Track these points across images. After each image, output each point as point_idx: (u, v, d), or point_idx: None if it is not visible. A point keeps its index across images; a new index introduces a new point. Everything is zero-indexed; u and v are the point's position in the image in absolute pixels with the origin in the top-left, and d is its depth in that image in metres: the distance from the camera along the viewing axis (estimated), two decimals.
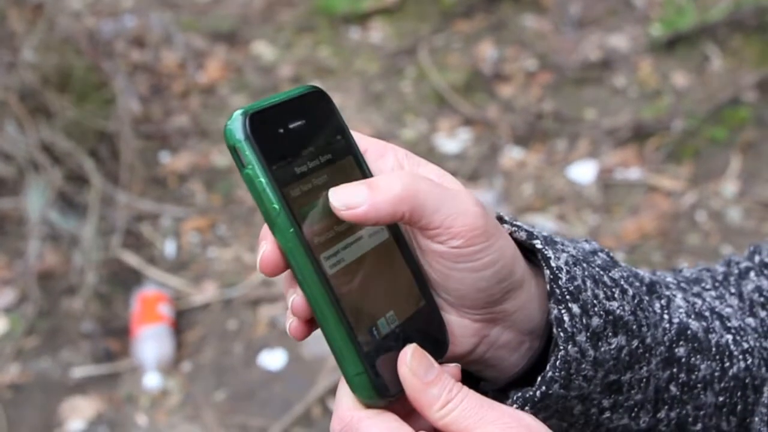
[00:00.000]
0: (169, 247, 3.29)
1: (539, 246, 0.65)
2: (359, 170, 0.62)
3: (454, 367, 0.62)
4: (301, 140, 0.60)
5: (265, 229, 0.60)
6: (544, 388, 0.64)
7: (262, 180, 0.57)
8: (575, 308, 0.64)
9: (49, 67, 3.54)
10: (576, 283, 0.65)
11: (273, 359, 2.91)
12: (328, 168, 0.60)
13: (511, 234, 0.66)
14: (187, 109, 3.89)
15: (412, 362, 0.58)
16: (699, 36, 4.03)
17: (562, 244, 0.68)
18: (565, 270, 0.65)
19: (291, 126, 0.59)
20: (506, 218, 0.67)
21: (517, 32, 4.31)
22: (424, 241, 0.62)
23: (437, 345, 0.63)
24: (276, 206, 0.57)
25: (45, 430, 2.76)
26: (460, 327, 0.65)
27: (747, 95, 3.71)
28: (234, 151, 0.57)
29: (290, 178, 0.58)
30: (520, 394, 0.65)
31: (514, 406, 0.64)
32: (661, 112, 3.71)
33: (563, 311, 0.64)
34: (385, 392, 0.58)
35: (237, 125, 0.57)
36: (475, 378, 0.69)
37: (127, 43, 4.03)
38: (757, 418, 0.75)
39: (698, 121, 3.60)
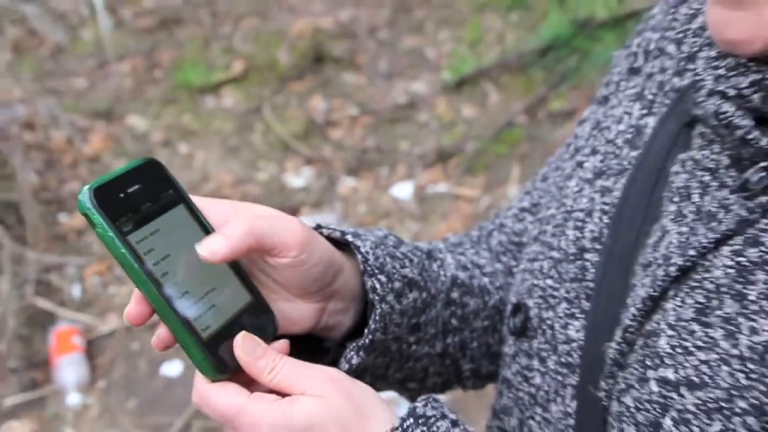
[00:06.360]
0: (76, 290, 3.34)
1: (350, 239, 0.74)
2: (191, 214, 0.68)
3: (282, 343, 0.68)
4: (139, 199, 0.64)
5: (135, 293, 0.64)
6: (371, 336, 0.74)
7: (110, 234, 0.61)
8: (383, 278, 0.74)
9: None
10: (380, 261, 0.74)
11: (172, 369, 3.04)
12: (164, 215, 0.66)
13: (329, 235, 0.75)
14: (78, 177, 3.90)
15: (242, 344, 0.65)
16: (478, 78, 4.21)
17: (365, 235, 0.77)
18: (371, 253, 0.74)
19: (129, 190, 0.64)
20: (323, 225, 0.76)
21: (340, 87, 4.40)
22: (271, 259, 0.68)
23: (267, 328, 0.69)
24: (123, 251, 0.62)
25: None
26: (307, 308, 0.73)
27: (518, 119, 3.91)
28: (86, 216, 0.62)
29: (132, 228, 0.63)
30: (354, 343, 0.74)
31: (352, 352, 0.74)
32: (457, 138, 3.89)
33: (375, 281, 0.73)
34: (225, 369, 0.65)
35: (85, 197, 0.62)
36: (322, 341, 0.79)
37: (20, 127, 4.01)
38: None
39: (485, 142, 3.77)
